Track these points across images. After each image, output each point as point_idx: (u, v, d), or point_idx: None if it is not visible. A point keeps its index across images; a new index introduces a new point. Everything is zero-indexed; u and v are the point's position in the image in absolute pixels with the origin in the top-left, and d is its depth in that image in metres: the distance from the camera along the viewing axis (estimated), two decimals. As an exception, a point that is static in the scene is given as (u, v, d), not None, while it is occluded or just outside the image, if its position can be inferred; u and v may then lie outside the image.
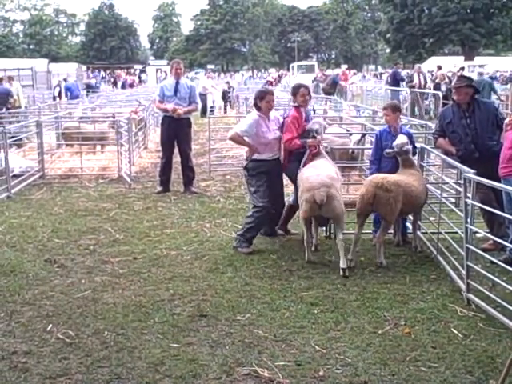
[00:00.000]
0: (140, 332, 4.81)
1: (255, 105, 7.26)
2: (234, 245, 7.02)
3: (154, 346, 4.57)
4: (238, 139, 7.30)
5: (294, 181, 7.13)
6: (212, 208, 9.08)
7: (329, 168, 6.71)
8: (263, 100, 7.14)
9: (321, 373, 4.17)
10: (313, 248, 6.77)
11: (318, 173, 6.50)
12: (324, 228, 7.46)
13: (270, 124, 7.20)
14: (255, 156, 7.17)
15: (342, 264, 6.16)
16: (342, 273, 6.11)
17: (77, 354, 4.45)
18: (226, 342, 4.64)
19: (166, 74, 50.91)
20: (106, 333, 4.78)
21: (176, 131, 10.01)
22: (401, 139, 6.82)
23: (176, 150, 10.29)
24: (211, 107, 24.35)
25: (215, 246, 7.15)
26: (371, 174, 6.98)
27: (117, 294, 5.64)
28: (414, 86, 23.10)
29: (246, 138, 7.20)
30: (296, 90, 7.27)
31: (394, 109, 7.26)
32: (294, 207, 7.30)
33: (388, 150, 6.83)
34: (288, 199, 7.65)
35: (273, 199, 7.16)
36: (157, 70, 57.03)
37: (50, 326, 4.93)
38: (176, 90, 9.93)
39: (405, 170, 6.79)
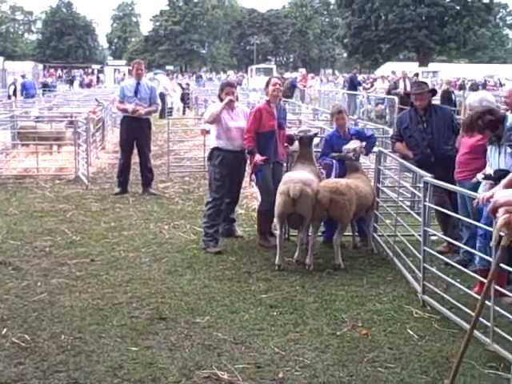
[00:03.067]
0: (98, 335, 4.74)
1: (218, 96, 7.49)
2: (203, 246, 7.07)
3: (113, 349, 4.52)
4: (211, 122, 7.45)
5: None
6: (171, 210, 9.03)
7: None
8: (223, 92, 7.33)
9: (280, 375, 4.19)
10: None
11: (302, 171, 6.73)
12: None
13: (234, 114, 7.32)
14: (217, 144, 7.24)
15: (296, 256, 6.61)
16: (307, 268, 6.39)
17: (33, 358, 4.37)
18: (185, 345, 4.62)
19: (124, 75, 50.50)
20: (62, 337, 4.70)
21: (136, 132, 9.94)
22: (351, 145, 7.01)
23: (135, 151, 10.21)
24: (169, 108, 24.21)
25: (174, 248, 7.12)
26: (325, 161, 7.24)
27: (74, 296, 5.55)
28: (397, 94, 20.95)
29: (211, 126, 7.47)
30: (268, 81, 7.35)
31: (346, 112, 7.47)
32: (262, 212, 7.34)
33: (333, 154, 7.02)
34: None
35: (229, 192, 7.32)
36: (115, 70, 56.43)
37: (5, 330, 4.81)
38: (137, 91, 9.87)
39: (351, 174, 7.01)
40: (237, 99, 7.59)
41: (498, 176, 5.41)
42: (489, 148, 5.85)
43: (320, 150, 7.64)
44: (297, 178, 6.47)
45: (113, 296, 5.57)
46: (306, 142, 7.15)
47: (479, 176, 5.70)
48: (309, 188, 6.37)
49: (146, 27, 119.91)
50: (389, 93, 22.97)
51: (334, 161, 7.15)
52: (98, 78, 55.32)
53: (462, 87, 32.69)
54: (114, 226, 8.00)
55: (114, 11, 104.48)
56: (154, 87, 10.70)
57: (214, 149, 7.28)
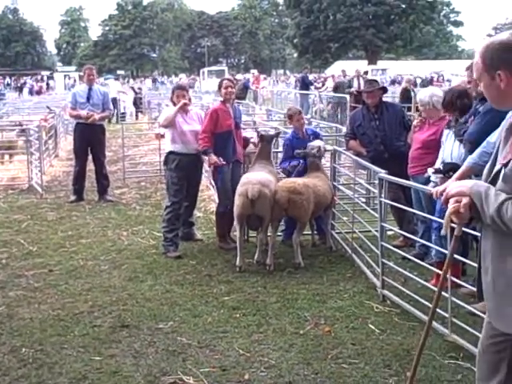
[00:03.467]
0: (60, 347, 4.67)
1: (171, 100, 7.52)
2: (163, 251, 7.05)
3: (75, 360, 4.45)
4: (166, 126, 7.42)
5: None
6: (128, 216, 8.96)
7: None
8: (174, 95, 7.37)
9: (246, 376, 4.20)
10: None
11: (260, 172, 6.74)
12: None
13: (188, 117, 7.31)
14: (173, 148, 7.22)
15: (257, 257, 6.61)
16: (267, 268, 6.42)
17: (-7, 373, 4.28)
18: (149, 352, 4.59)
19: (75, 81, 49.73)
20: (23, 350, 4.60)
21: (90, 138, 9.84)
22: (315, 143, 7.09)
23: (89, 158, 10.09)
24: (122, 113, 23.98)
25: (133, 254, 7.06)
26: (285, 167, 7.23)
27: (33, 308, 5.45)
28: (351, 93, 19.78)
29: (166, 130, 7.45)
30: (220, 83, 7.34)
31: (301, 113, 7.54)
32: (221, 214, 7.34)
33: (298, 151, 7.07)
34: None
35: (187, 195, 7.29)
36: (65, 77, 55.57)
37: (-37, 345, 4.70)
38: (89, 97, 9.75)
39: (311, 173, 7.07)
40: (190, 101, 7.61)
41: (446, 169, 5.54)
42: (445, 132, 5.98)
43: (281, 151, 7.65)
44: (255, 179, 6.50)
45: (73, 306, 5.49)
46: (267, 139, 7.19)
47: (430, 170, 5.82)
48: (267, 189, 6.40)
49: (95, 32, 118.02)
50: (336, 90, 23.13)
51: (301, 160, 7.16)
52: (47, 84, 54.28)
53: (413, 83, 33.44)
54: (72, 235, 7.88)
55: (61, 16, 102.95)
56: (107, 92, 10.64)
57: (170, 153, 7.26)
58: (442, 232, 2.65)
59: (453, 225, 2.62)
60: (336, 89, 23.16)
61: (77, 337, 4.84)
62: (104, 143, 10.24)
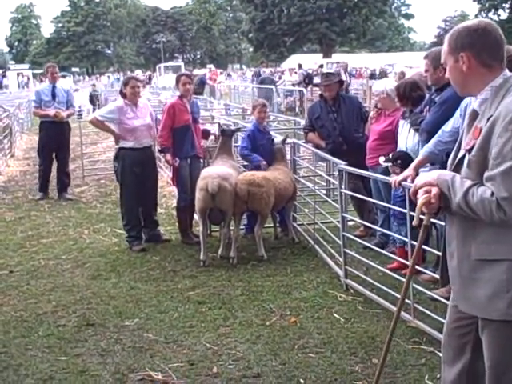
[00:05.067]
0: (24, 348, 4.61)
1: (121, 92, 7.26)
2: (128, 246, 7.04)
3: (41, 360, 4.40)
4: (97, 123, 7.27)
5: None
6: (89, 214, 8.87)
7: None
8: (127, 85, 7.10)
9: (214, 370, 4.22)
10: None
11: (220, 166, 6.72)
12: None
13: (138, 111, 7.16)
14: (122, 144, 7.11)
15: (220, 252, 6.63)
16: (231, 261, 6.45)
17: (-43, 377, 4.21)
18: (116, 349, 4.56)
19: (29, 79, 48.75)
20: (-14, 352, 4.54)
21: (56, 136, 9.76)
22: (278, 138, 7.33)
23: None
24: (79, 111, 23.63)
25: (96, 252, 7.00)
26: (255, 160, 7.14)
27: (-6, 310, 5.36)
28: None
29: (108, 124, 7.21)
30: (178, 78, 7.29)
31: (266, 106, 7.55)
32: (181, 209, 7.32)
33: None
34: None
35: (143, 193, 7.15)
36: (18, 75, 54.44)
37: None
38: (54, 95, 9.66)
39: (275, 163, 7.15)
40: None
41: (394, 157, 5.67)
42: (401, 123, 6.10)
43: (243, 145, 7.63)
44: (214, 173, 6.50)
45: (36, 306, 5.41)
46: (227, 134, 7.19)
47: (381, 159, 5.91)
48: (227, 182, 6.41)
49: (47, 29, 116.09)
50: (262, 83, 24.12)
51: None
52: (0, 83, 53.10)
53: (372, 76, 34.02)
54: (32, 235, 7.76)
55: (12, 14, 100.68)
56: (70, 90, 10.58)
57: (121, 148, 7.13)
58: (414, 223, 2.71)
59: (421, 216, 2.67)
60: (262, 83, 24.40)
61: (41, 337, 4.78)
62: (69, 140, 10.16)
